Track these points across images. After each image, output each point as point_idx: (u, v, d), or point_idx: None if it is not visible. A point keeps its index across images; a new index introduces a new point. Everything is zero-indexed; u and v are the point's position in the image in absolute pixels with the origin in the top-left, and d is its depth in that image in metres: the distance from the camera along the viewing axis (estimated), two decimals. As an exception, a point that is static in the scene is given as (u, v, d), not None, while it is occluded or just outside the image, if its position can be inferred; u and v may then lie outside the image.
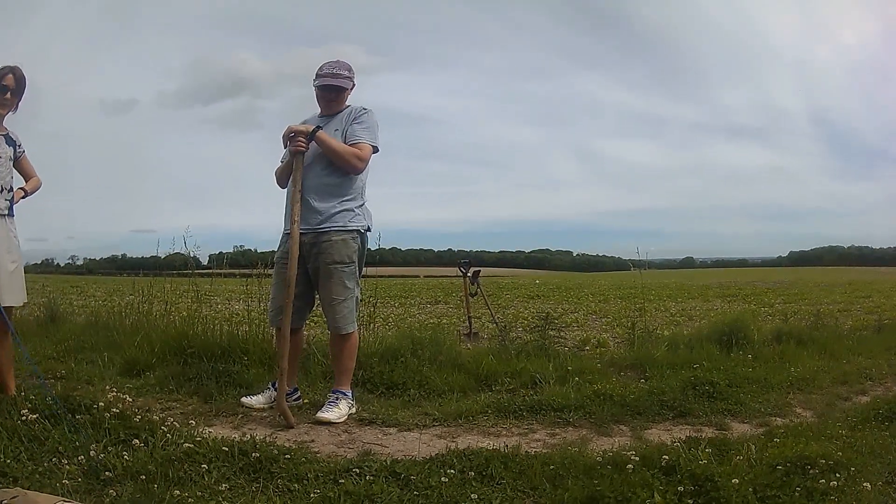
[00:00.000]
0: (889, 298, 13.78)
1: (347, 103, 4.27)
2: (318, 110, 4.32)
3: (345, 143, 4.08)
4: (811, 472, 2.79)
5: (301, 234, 3.99)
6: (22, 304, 3.73)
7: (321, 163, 4.08)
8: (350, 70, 4.23)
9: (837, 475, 2.75)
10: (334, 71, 4.18)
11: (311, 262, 4.08)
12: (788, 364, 5.50)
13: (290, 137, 4.05)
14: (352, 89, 4.27)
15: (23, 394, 3.55)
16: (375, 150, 4.18)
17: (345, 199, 4.10)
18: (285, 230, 4.17)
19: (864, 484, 2.68)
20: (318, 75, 4.20)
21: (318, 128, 4.03)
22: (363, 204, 4.22)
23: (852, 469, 2.83)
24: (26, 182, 3.77)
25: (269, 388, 4.21)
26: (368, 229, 4.24)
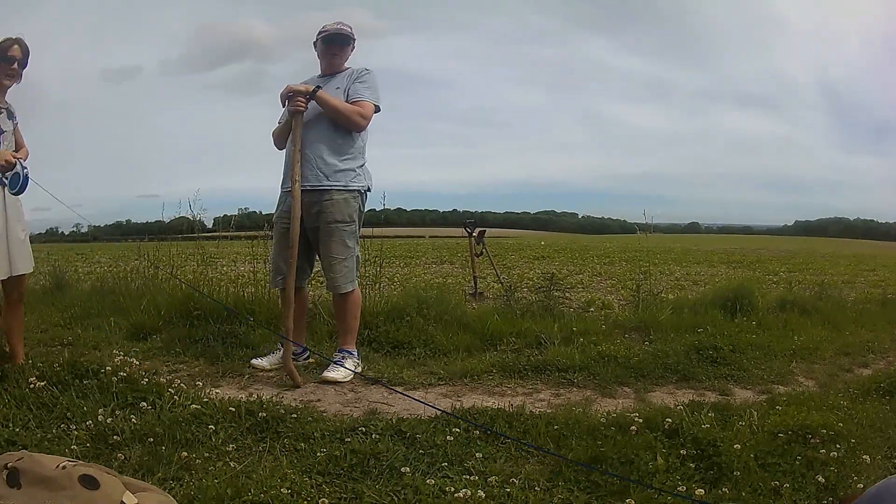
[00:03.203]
0: (894, 273, 13.74)
1: (347, 65, 4.23)
2: (318, 73, 4.29)
3: (347, 101, 4.05)
4: (812, 441, 2.82)
5: (301, 192, 3.98)
6: (31, 271, 3.75)
7: (321, 122, 4.04)
8: (352, 29, 4.21)
9: (838, 446, 2.78)
10: (338, 26, 4.16)
11: (311, 222, 4.07)
12: (792, 332, 5.52)
13: (289, 97, 4.00)
14: (352, 50, 4.23)
15: (30, 361, 3.58)
16: (377, 109, 4.14)
17: (346, 158, 4.08)
18: (284, 188, 4.15)
19: (864, 456, 2.71)
20: (321, 31, 4.16)
21: (318, 87, 3.99)
22: (364, 164, 4.20)
23: (852, 441, 2.86)
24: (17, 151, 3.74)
25: (278, 349, 4.24)
26: (369, 189, 4.23)
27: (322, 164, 4.03)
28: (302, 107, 3.95)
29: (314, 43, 4.24)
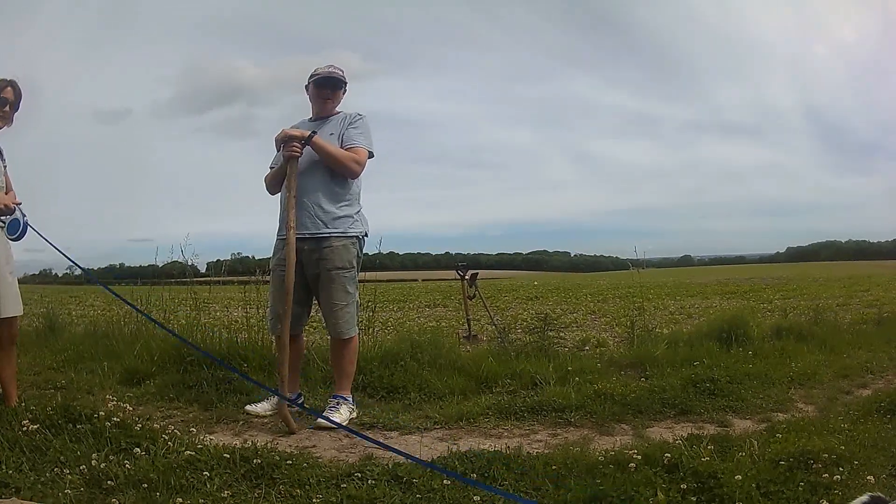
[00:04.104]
0: (888, 291, 13.78)
1: (338, 110, 4.27)
2: (308, 116, 4.32)
3: (341, 147, 4.06)
4: (814, 466, 2.79)
5: (300, 239, 3.96)
6: (20, 314, 3.72)
7: (317, 169, 4.05)
8: (343, 73, 4.24)
9: (840, 469, 2.74)
10: (330, 70, 4.20)
11: (311, 269, 4.06)
12: (789, 359, 5.50)
13: (285, 142, 4.00)
14: (344, 93, 4.27)
15: (23, 404, 3.53)
16: (371, 155, 4.17)
17: (343, 204, 4.10)
18: (280, 236, 4.14)
19: (868, 477, 2.68)
20: (313, 74, 4.21)
21: (314, 132, 4.01)
22: (360, 210, 4.21)
23: (855, 463, 2.83)
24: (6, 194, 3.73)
25: (271, 395, 4.19)
26: (366, 234, 4.24)
27: (320, 211, 4.03)
28: (297, 152, 3.95)
29: (306, 86, 4.28)
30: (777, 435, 3.32)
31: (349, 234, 4.09)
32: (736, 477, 2.69)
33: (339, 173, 4.07)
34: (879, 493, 1.72)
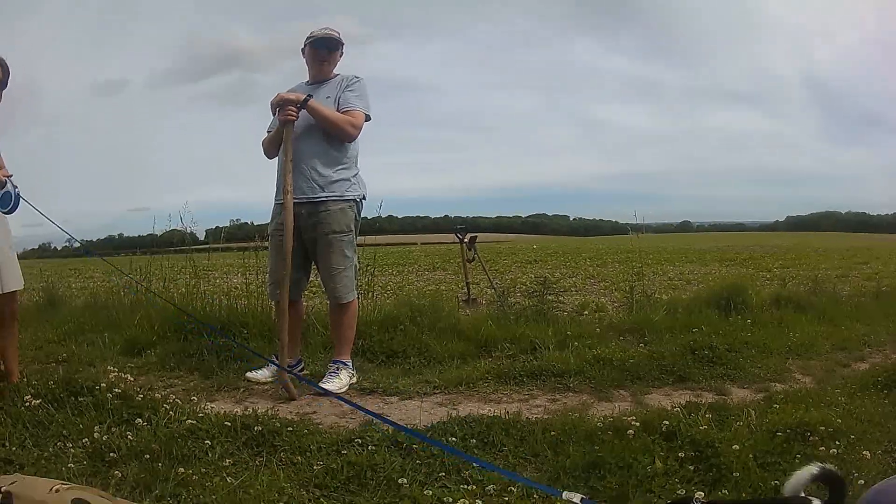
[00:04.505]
0: (887, 265, 13.77)
1: (336, 72, 4.21)
2: (306, 80, 4.27)
3: (338, 110, 4.01)
4: (811, 439, 2.81)
5: (297, 204, 3.93)
6: (21, 288, 3.71)
7: (314, 132, 4.00)
8: (340, 35, 4.18)
9: (837, 443, 2.77)
10: (326, 32, 4.13)
11: (309, 233, 4.04)
12: (787, 329, 5.51)
13: (280, 106, 3.95)
14: (341, 56, 4.21)
15: (25, 379, 3.53)
16: (368, 118, 4.12)
17: (340, 168, 4.05)
18: (277, 201, 4.12)
19: (864, 452, 2.70)
20: (309, 37, 4.13)
21: (310, 96, 3.95)
22: (357, 173, 4.17)
23: (852, 437, 2.85)
24: None
25: (272, 361, 4.21)
26: (364, 198, 4.21)
27: (317, 175, 3.99)
28: (293, 116, 3.90)
29: (302, 49, 4.20)
30: (775, 405, 3.34)
31: (346, 198, 4.05)
32: (733, 447, 2.70)
33: (335, 137, 4.02)
34: (829, 465, 1.73)
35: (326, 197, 4.00)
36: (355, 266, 4.21)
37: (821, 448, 2.71)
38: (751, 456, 2.66)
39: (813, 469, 1.73)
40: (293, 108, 3.90)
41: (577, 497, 1.78)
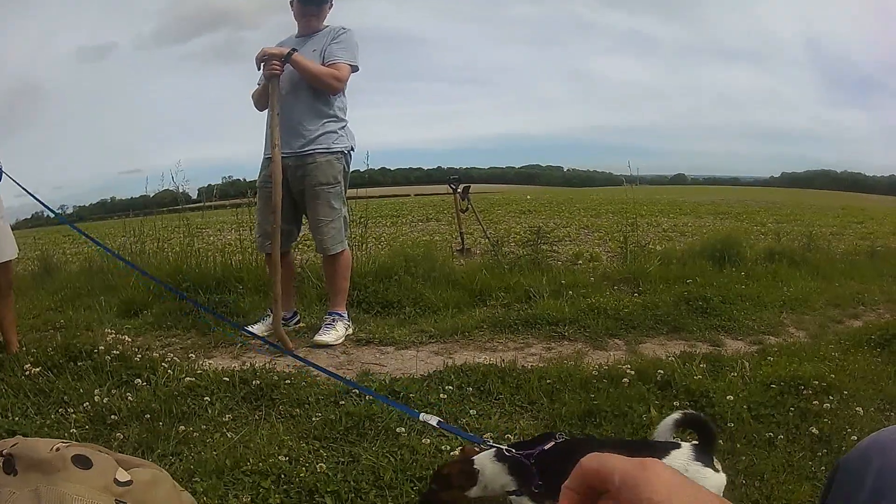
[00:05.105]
0: (882, 225, 13.76)
1: (326, 24, 4.10)
2: (295, 33, 4.16)
3: (323, 63, 3.93)
4: (804, 392, 2.83)
5: (284, 157, 3.88)
6: (15, 257, 3.66)
7: (300, 85, 3.94)
8: None
9: (830, 398, 2.78)
10: None
11: (297, 185, 4.01)
12: (781, 283, 5.53)
13: (265, 60, 3.86)
14: (330, 8, 4.10)
15: (24, 348, 3.51)
16: (354, 69, 4.03)
17: (327, 120, 3.99)
18: (266, 154, 4.08)
19: (857, 408, 2.72)
20: None
21: (294, 50, 3.85)
22: (345, 125, 4.10)
23: (845, 392, 2.87)
24: None
25: (267, 315, 4.19)
26: (352, 149, 4.15)
27: (302, 128, 3.95)
28: (277, 70, 3.83)
29: (290, 2, 4.10)
30: (768, 358, 3.36)
31: (333, 150, 4.00)
32: (728, 397, 2.74)
33: (320, 90, 3.96)
34: (692, 410, 1.76)
35: (313, 150, 3.95)
36: (344, 217, 4.17)
37: (814, 402, 2.73)
38: (745, 407, 2.69)
39: (676, 415, 1.75)
40: (277, 63, 3.82)
41: (433, 419, 1.82)
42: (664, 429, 1.79)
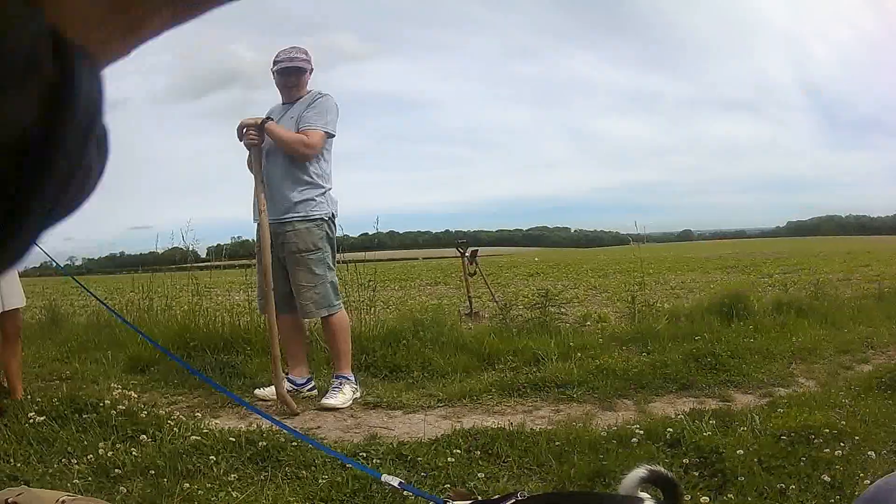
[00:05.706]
0: (889, 266, 13.71)
1: (309, 88, 4.24)
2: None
3: (297, 129, 4.05)
4: (815, 441, 2.81)
5: (270, 222, 3.98)
6: (23, 305, 3.73)
7: (278, 153, 4.06)
8: (307, 54, 4.22)
9: (842, 444, 2.76)
10: (291, 55, 4.16)
11: (280, 251, 4.09)
12: (790, 334, 5.50)
13: (243, 132, 4.01)
14: (310, 73, 4.23)
15: (29, 396, 3.54)
16: (330, 135, 4.13)
17: (305, 187, 4.08)
18: (254, 220, 4.16)
19: (869, 452, 2.70)
20: (275, 62, 4.17)
21: (267, 119, 4.01)
22: (325, 191, 4.16)
23: (856, 438, 2.84)
24: None
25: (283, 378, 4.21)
26: (333, 216, 4.22)
27: (280, 196, 4.05)
28: (255, 140, 3.97)
29: (272, 72, 4.23)
30: (778, 409, 3.34)
31: (311, 217, 4.08)
32: (738, 451, 2.71)
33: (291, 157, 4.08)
34: (658, 467, 1.75)
35: (290, 218, 4.05)
36: (332, 283, 4.20)
37: (825, 450, 2.70)
38: (755, 460, 2.67)
39: (641, 471, 1.75)
40: (254, 133, 3.97)
41: (395, 480, 1.82)
42: (629, 484, 1.79)
